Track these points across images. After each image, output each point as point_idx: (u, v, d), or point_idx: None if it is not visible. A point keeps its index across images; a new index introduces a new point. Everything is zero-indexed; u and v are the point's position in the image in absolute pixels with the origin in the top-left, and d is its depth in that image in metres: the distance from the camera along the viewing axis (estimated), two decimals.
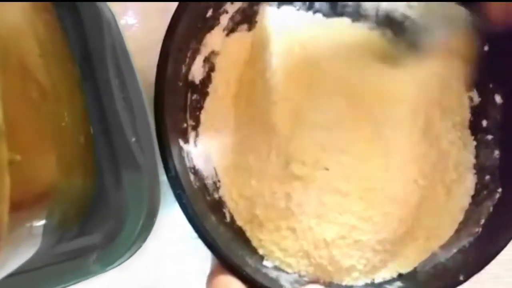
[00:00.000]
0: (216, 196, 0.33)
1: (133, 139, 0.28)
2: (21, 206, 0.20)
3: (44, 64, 0.24)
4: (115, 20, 0.29)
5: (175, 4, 0.29)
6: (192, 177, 0.31)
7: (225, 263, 0.27)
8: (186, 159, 0.31)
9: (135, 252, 0.29)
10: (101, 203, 0.28)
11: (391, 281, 0.31)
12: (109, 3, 0.29)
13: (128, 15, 0.39)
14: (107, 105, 0.28)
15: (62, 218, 0.26)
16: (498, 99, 0.32)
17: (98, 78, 0.28)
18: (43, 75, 0.24)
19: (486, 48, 0.32)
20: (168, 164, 0.28)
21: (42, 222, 0.23)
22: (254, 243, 0.33)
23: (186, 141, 0.32)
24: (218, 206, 0.33)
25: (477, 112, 0.34)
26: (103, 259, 0.27)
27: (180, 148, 0.30)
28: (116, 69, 0.28)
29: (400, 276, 0.31)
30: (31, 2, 0.25)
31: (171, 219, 0.40)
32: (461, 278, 0.28)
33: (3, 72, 0.18)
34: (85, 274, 0.28)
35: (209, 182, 0.33)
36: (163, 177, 0.29)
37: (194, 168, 0.32)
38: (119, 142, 0.28)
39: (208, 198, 0.32)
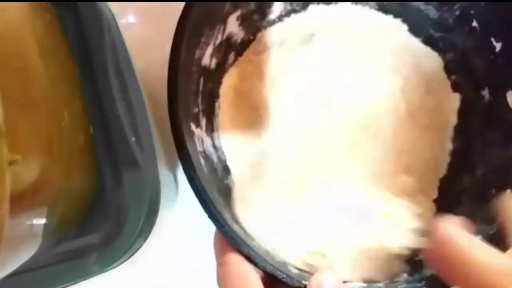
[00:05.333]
0: (225, 181, 0.34)
1: (133, 139, 0.28)
2: (21, 206, 0.20)
3: (44, 64, 0.24)
4: (115, 20, 0.29)
5: (175, 5, 0.29)
6: (202, 160, 0.31)
7: (234, 243, 0.27)
8: (196, 142, 0.31)
9: (135, 251, 0.29)
10: (101, 203, 0.28)
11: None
12: (109, 3, 0.29)
13: (128, 15, 0.39)
14: (107, 106, 0.28)
15: (62, 218, 0.26)
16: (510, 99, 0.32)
17: (98, 78, 0.28)
18: (43, 75, 0.24)
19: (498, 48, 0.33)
20: (180, 144, 0.27)
21: (42, 222, 0.23)
22: None
23: (197, 125, 0.32)
24: (227, 192, 0.33)
25: (488, 111, 0.34)
26: (103, 259, 0.28)
27: (192, 132, 0.30)
28: (116, 69, 0.28)
29: (407, 270, 0.31)
30: (31, 2, 0.25)
31: (172, 217, 0.40)
32: None
33: (2, 72, 0.18)
34: (85, 274, 0.28)
35: (218, 167, 0.34)
36: (162, 177, 0.29)
37: (204, 152, 0.32)
38: (119, 142, 0.28)
39: (217, 183, 0.33)
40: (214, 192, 0.30)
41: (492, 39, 0.32)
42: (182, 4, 0.28)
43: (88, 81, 0.28)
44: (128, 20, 0.39)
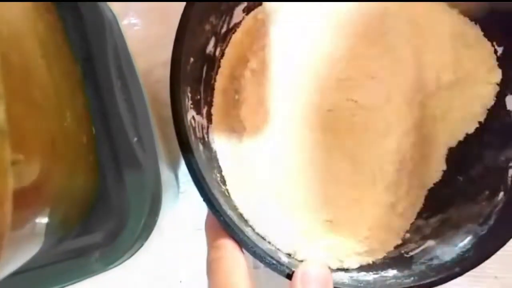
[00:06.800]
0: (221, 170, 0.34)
1: (135, 139, 0.28)
2: (23, 206, 0.20)
3: (46, 64, 0.24)
4: (116, 21, 0.29)
5: (177, 5, 0.29)
6: (201, 147, 0.31)
7: (227, 228, 0.27)
8: (197, 129, 0.31)
9: (137, 250, 0.29)
10: (103, 202, 0.29)
11: (387, 269, 0.31)
12: (110, 4, 0.29)
13: (129, 16, 0.39)
14: (109, 106, 0.28)
15: (65, 217, 0.26)
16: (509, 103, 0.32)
17: (100, 79, 0.28)
18: (45, 75, 0.24)
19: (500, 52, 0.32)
20: (179, 127, 0.27)
21: (45, 221, 0.23)
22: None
23: (199, 112, 0.32)
24: (223, 181, 0.33)
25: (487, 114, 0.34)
26: (105, 257, 0.28)
27: (192, 117, 0.30)
28: (117, 70, 0.28)
29: (396, 266, 0.31)
30: (33, 2, 0.25)
31: (173, 217, 0.40)
32: (457, 270, 0.28)
33: (5, 73, 0.18)
34: (87, 272, 0.28)
35: (216, 157, 0.34)
36: (164, 176, 0.29)
37: (203, 139, 0.32)
38: (121, 142, 0.28)
39: (215, 171, 0.33)
40: (211, 178, 0.30)
41: (495, 43, 0.32)
42: (184, 4, 0.28)
43: (90, 82, 0.28)
44: (130, 21, 0.39)
